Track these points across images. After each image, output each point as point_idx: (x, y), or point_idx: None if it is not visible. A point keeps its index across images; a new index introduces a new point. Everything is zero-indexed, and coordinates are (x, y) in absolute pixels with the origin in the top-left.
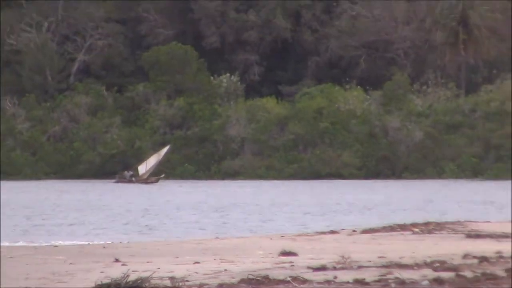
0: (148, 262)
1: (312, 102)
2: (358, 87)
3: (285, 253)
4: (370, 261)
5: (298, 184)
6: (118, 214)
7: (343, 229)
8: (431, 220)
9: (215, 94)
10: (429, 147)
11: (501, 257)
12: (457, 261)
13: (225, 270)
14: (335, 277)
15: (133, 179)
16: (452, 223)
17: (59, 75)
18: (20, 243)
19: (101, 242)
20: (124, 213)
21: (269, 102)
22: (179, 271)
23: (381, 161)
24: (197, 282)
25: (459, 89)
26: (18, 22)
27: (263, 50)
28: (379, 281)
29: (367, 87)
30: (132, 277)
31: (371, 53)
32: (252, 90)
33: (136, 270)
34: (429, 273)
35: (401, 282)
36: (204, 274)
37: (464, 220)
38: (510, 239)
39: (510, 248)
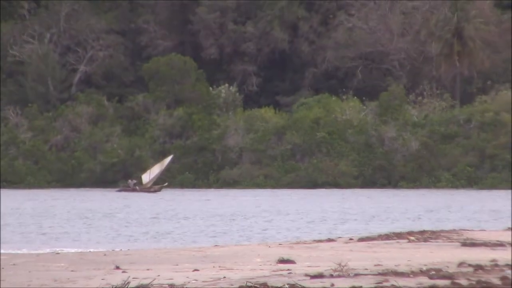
0: (148, 270)
1: (309, 112)
2: (355, 97)
3: (283, 261)
4: (367, 269)
5: (298, 193)
6: (130, 221)
7: (340, 237)
8: (426, 228)
9: (214, 104)
10: (424, 156)
11: (496, 265)
12: (452, 269)
13: (224, 277)
14: (332, 285)
15: (137, 187)
16: (448, 231)
17: (61, 85)
18: (24, 251)
19: (102, 250)
20: (134, 221)
21: (267, 112)
22: (178, 279)
23: (377, 170)
24: None
25: (454, 99)
26: (21, 33)
27: (261, 61)
28: None
29: (364, 98)
30: (133, 284)
31: (367, 64)
32: (250, 101)
33: (136, 277)
34: (425, 281)
35: None
36: (203, 281)
37: (459, 228)
38: (505, 248)
39: (505, 256)
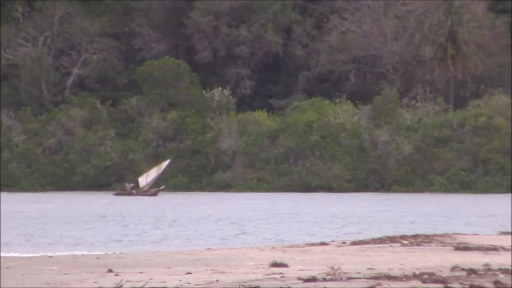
0: (140, 273)
1: (303, 116)
2: (348, 101)
3: (276, 265)
4: (360, 273)
5: (291, 196)
6: (125, 224)
7: (333, 241)
8: (420, 232)
9: (207, 108)
10: (418, 160)
11: (489, 269)
12: (445, 273)
13: (217, 280)
14: None
15: (134, 191)
16: (441, 235)
17: (55, 88)
18: (17, 254)
19: (95, 253)
20: (129, 224)
21: (260, 116)
22: (171, 282)
23: (371, 174)
24: None
25: (447, 103)
26: (15, 36)
27: (255, 65)
28: None
29: (357, 101)
30: (125, 287)
31: (361, 68)
32: (243, 104)
33: (129, 280)
34: (418, 285)
35: None
36: (196, 284)
37: (452, 232)
38: (498, 252)
39: (498, 260)
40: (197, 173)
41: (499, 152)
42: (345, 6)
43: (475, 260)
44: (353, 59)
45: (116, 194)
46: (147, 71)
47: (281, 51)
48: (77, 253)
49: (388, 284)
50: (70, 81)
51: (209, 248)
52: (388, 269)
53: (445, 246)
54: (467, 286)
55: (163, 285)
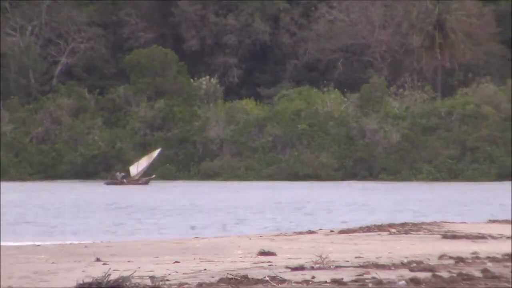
0: (128, 262)
1: (290, 104)
2: (336, 89)
3: (264, 253)
4: (348, 261)
5: (278, 185)
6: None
7: (320, 229)
8: (408, 221)
9: (195, 96)
10: (405, 149)
11: (477, 257)
12: (433, 261)
13: (205, 269)
14: (313, 277)
15: (125, 180)
16: (429, 224)
17: (42, 77)
18: (4, 243)
19: (83, 242)
20: (119, 213)
21: (248, 104)
22: (159, 271)
23: (358, 162)
24: (177, 282)
25: (435, 92)
26: (2, 26)
27: (242, 53)
28: (356, 281)
29: (345, 90)
30: (113, 276)
31: (349, 57)
32: (231, 92)
33: (117, 269)
34: (406, 273)
35: (378, 282)
36: (184, 273)
37: (440, 221)
38: (486, 240)
39: (486, 248)
40: (184, 161)
41: (486, 140)
42: None
43: (463, 248)
44: (341, 48)
45: (107, 183)
46: (134, 60)
47: (269, 40)
48: (65, 242)
49: (376, 273)
50: (57, 70)
51: (196, 237)
52: (376, 258)
53: (433, 234)
54: (455, 274)
55: (151, 273)
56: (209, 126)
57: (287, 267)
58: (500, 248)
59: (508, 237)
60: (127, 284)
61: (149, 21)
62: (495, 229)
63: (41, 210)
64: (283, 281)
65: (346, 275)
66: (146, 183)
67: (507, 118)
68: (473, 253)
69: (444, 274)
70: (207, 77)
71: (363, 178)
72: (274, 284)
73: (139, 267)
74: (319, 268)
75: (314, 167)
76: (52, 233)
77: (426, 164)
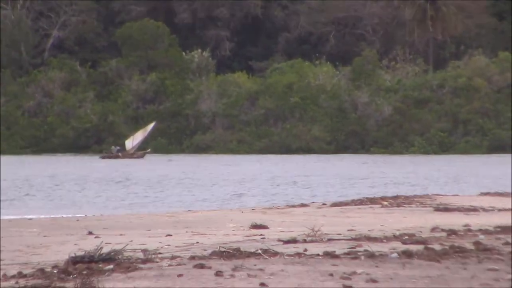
0: (121, 235)
1: (283, 78)
2: (328, 62)
3: (256, 226)
4: (340, 234)
5: (271, 158)
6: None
7: (313, 202)
8: (400, 193)
9: (187, 70)
10: (397, 121)
11: (469, 230)
12: (425, 234)
13: (197, 242)
14: (305, 250)
15: (120, 154)
16: (421, 196)
17: (34, 51)
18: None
19: (75, 215)
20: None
21: (240, 77)
22: (151, 244)
23: (350, 135)
24: (169, 255)
25: (427, 64)
26: None
27: (234, 26)
28: (348, 253)
29: (337, 63)
30: (105, 249)
31: (340, 30)
32: (223, 66)
33: (109, 242)
34: (398, 245)
35: (371, 254)
36: (176, 246)
37: (432, 193)
38: (478, 213)
39: (478, 221)
40: (176, 135)
41: (478, 113)
42: None
43: (455, 220)
44: (333, 21)
45: (103, 157)
46: (126, 33)
47: (261, 13)
48: (57, 215)
49: (368, 246)
50: (49, 43)
51: (189, 210)
52: (369, 230)
53: (425, 207)
54: (447, 247)
55: (143, 247)
56: (201, 100)
57: (279, 240)
58: (492, 220)
59: (499, 210)
60: (120, 257)
61: None
62: (487, 202)
63: (38, 183)
64: (275, 254)
65: (339, 248)
66: (142, 157)
67: (499, 90)
68: (465, 226)
69: (436, 246)
70: (199, 50)
71: (355, 151)
72: (267, 257)
73: (131, 240)
74: (312, 241)
75: (306, 140)
76: (44, 207)
77: (418, 137)
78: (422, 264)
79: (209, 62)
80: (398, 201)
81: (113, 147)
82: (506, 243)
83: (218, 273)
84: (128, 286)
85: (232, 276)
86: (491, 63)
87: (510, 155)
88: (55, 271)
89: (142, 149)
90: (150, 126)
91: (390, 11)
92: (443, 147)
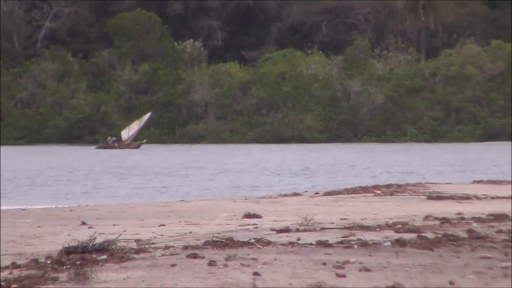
0: (114, 225)
1: (275, 67)
2: (320, 52)
3: (249, 215)
4: (333, 223)
5: (263, 147)
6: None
7: (306, 191)
8: (392, 182)
9: (179, 60)
10: (390, 110)
11: (462, 218)
12: (418, 222)
13: (190, 232)
14: (298, 239)
15: (116, 144)
16: (414, 185)
17: (26, 41)
18: None
19: (69, 206)
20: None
21: (232, 67)
22: (144, 234)
23: (343, 124)
24: (163, 244)
25: (419, 53)
26: None
27: (226, 16)
28: (341, 242)
29: (329, 52)
30: (99, 239)
31: (332, 19)
32: (215, 56)
33: (103, 232)
34: (391, 234)
35: (364, 243)
36: (170, 236)
37: (425, 182)
38: (471, 201)
39: (471, 209)
40: (169, 125)
41: (471, 101)
42: None
43: (448, 209)
44: (325, 10)
45: (99, 148)
46: (118, 23)
47: (253, 3)
48: (50, 206)
49: (361, 234)
50: (41, 34)
51: (182, 200)
52: (362, 219)
53: (418, 195)
54: (440, 235)
55: (136, 237)
56: (194, 90)
57: (272, 229)
58: (484, 208)
59: (492, 198)
60: (113, 247)
61: None
62: (480, 190)
63: (35, 175)
64: (268, 243)
65: (332, 237)
66: (138, 147)
67: (491, 78)
68: (458, 214)
69: (429, 235)
70: (191, 40)
71: (348, 140)
72: (260, 246)
73: (125, 231)
74: (305, 230)
75: (299, 130)
76: (40, 198)
77: (410, 126)
78: (415, 252)
79: (201, 52)
80: (391, 190)
81: (109, 137)
82: (499, 231)
83: (211, 263)
84: (122, 276)
85: (225, 265)
86: (483, 51)
87: (502, 142)
88: (48, 262)
89: (137, 140)
90: (146, 116)
91: (381, 0)
92: (436, 136)
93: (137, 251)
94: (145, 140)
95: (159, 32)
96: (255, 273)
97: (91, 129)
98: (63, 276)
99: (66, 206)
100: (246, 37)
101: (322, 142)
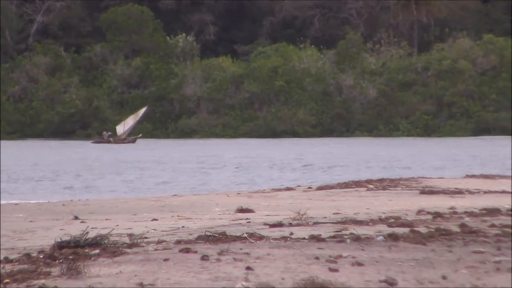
0: (106, 220)
1: (267, 61)
2: (312, 46)
3: (242, 210)
4: (326, 218)
5: (256, 142)
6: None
7: (298, 186)
8: (385, 176)
9: (172, 54)
10: (382, 104)
11: (455, 212)
12: (411, 216)
13: (183, 227)
14: (291, 233)
15: (111, 139)
16: (406, 179)
17: (18, 36)
18: None
19: (61, 200)
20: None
21: (225, 61)
22: (137, 228)
23: (336, 118)
24: (155, 239)
25: (411, 47)
26: None
27: (219, 10)
28: (334, 237)
29: (321, 46)
30: (91, 234)
31: (325, 13)
32: (207, 50)
33: (95, 227)
34: (384, 228)
35: (356, 237)
36: (162, 231)
37: (418, 176)
38: (463, 195)
39: (463, 203)
40: (161, 119)
41: (463, 95)
42: None
43: (440, 203)
44: (317, 4)
45: (94, 142)
46: (111, 18)
47: None
48: (43, 201)
49: (354, 229)
50: (33, 28)
51: (175, 195)
52: (354, 214)
53: (411, 190)
54: (433, 229)
55: (129, 231)
56: (186, 84)
57: (265, 224)
58: (477, 203)
59: (485, 192)
60: (106, 242)
61: None
62: (472, 184)
63: (18, 169)
64: (261, 237)
65: (324, 231)
66: (133, 141)
67: (483, 72)
68: (450, 208)
69: (422, 229)
70: (184, 34)
71: (340, 134)
72: (253, 241)
73: (117, 225)
74: (297, 225)
75: (292, 124)
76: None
77: (403, 120)
78: (408, 246)
79: (193, 47)
80: (383, 184)
81: (104, 132)
82: (492, 226)
83: (204, 257)
84: (114, 271)
85: (218, 260)
86: (476, 45)
87: (494, 137)
88: (41, 256)
89: (132, 134)
90: (141, 111)
91: None
92: (428, 130)
93: (130, 246)
94: (141, 134)
95: (151, 27)
96: (248, 268)
97: (83, 124)
98: (55, 270)
99: (58, 200)
100: (239, 31)
101: (314, 136)
